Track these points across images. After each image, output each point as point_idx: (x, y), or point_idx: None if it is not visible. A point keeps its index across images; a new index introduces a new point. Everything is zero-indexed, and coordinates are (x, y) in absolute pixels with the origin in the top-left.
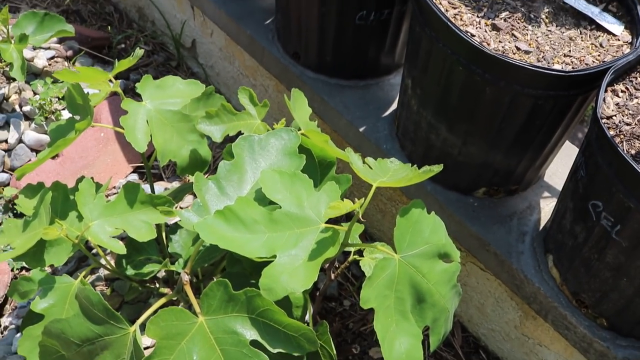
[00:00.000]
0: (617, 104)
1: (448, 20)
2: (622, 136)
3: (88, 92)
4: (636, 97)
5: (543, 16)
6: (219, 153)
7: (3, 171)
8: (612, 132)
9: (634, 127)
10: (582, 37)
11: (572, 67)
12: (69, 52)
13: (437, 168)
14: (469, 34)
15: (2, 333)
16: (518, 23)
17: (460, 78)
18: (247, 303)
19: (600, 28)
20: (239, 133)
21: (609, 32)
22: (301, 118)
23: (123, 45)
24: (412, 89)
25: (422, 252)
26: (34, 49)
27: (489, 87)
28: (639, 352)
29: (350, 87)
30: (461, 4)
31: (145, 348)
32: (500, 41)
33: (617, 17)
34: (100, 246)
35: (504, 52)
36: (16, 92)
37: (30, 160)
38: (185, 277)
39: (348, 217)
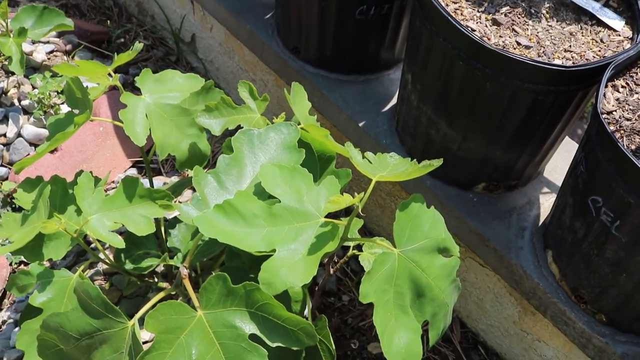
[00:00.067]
0: (617, 100)
1: (448, 15)
2: (622, 131)
3: (87, 86)
4: (636, 93)
5: (544, 11)
6: (218, 147)
7: (2, 165)
8: (612, 128)
9: (634, 123)
10: (582, 33)
11: (573, 62)
12: (68, 46)
13: (437, 162)
14: (470, 29)
15: (0, 327)
16: (518, 18)
17: (461, 73)
18: (246, 297)
19: (600, 23)
20: (239, 127)
21: (610, 28)
22: (301, 112)
23: (122, 40)
24: (412, 84)
25: (421, 247)
26: (33, 42)
27: (489, 82)
28: (638, 347)
29: (350, 82)
30: None
31: (144, 342)
32: (500, 36)
33: (618, 12)
34: (99, 240)
35: (504, 47)
36: (15, 86)
37: (29, 154)
38: (184, 271)
39: (347, 211)
